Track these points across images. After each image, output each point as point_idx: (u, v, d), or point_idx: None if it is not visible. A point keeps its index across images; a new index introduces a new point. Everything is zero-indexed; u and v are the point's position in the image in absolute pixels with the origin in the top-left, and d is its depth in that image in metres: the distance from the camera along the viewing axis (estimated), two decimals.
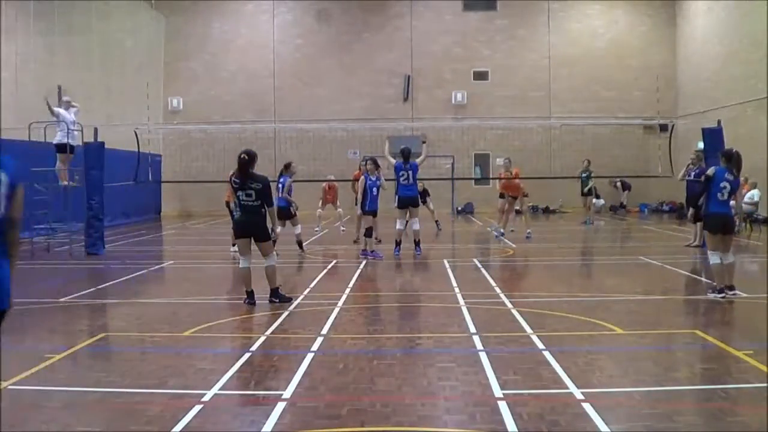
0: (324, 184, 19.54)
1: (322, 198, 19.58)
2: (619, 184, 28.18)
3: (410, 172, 14.29)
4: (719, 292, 9.36)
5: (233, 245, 15.16)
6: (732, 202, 9.92)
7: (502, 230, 17.80)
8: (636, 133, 28.48)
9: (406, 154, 14.43)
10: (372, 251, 14.04)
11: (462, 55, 30.91)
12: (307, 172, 22.22)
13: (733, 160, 9.51)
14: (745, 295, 9.46)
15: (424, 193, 19.37)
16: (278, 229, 14.68)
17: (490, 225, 20.19)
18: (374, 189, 14.25)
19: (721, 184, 9.37)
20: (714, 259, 9.44)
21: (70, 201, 16.42)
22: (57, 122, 15.44)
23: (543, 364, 6.22)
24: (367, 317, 8.84)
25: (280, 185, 14.48)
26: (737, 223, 13.32)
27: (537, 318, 8.22)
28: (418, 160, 14.66)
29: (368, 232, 14.18)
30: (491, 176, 25.45)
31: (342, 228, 19.66)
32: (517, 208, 18.78)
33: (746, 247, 15.98)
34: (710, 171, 9.62)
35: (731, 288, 9.40)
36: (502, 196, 18.62)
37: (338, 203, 19.81)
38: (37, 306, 9.41)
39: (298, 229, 14.90)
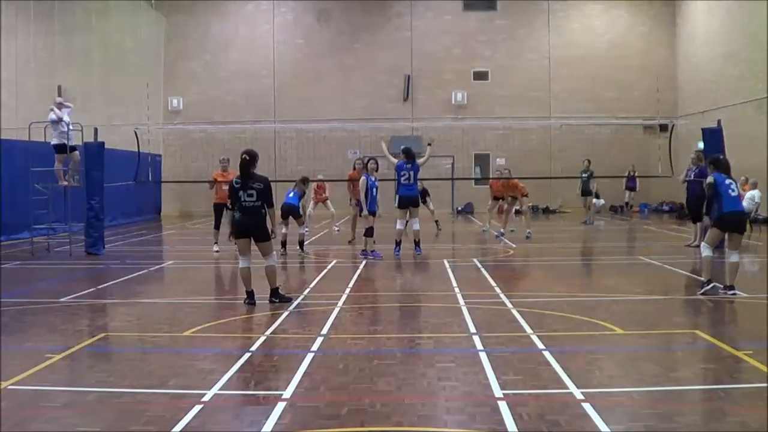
0: (314, 183, 19.52)
1: (313, 198, 19.56)
2: (635, 173, 27.19)
3: (412, 172, 14.25)
4: (707, 284, 9.56)
5: (216, 243, 15.39)
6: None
7: (502, 230, 17.80)
8: (636, 133, 28.46)
9: (409, 154, 14.44)
10: (372, 251, 14.03)
11: (462, 55, 30.91)
12: (306, 172, 22.18)
13: (722, 165, 9.80)
14: (745, 295, 9.47)
15: (424, 193, 19.30)
16: (283, 229, 14.75)
17: (482, 227, 20.08)
18: (374, 189, 14.24)
19: (727, 182, 9.57)
20: (707, 252, 9.64)
21: (70, 201, 16.43)
22: (54, 123, 15.44)
23: (543, 364, 6.22)
24: (367, 317, 8.84)
25: (290, 191, 14.87)
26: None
27: (537, 318, 8.21)
28: (420, 161, 14.65)
29: (368, 232, 14.17)
30: (491, 176, 25.45)
31: (336, 228, 19.58)
32: (518, 208, 18.77)
33: (746, 247, 15.97)
34: (710, 179, 9.79)
35: (731, 288, 9.47)
36: (496, 198, 18.62)
37: (329, 203, 19.73)
38: (37, 306, 9.41)
39: (302, 229, 14.93)
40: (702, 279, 9.82)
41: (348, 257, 14.61)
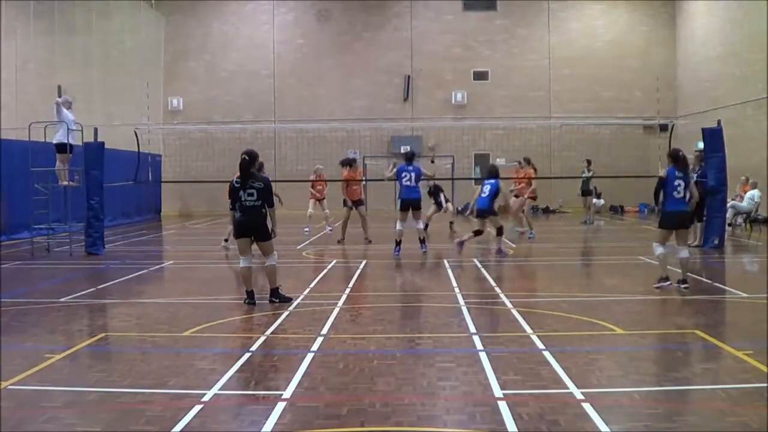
0: (312, 175, 19.37)
1: (311, 195, 19.45)
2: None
3: (413, 174, 14.42)
4: (665, 281, 9.95)
5: (226, 240, 15.37)
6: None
7: (531, 231, 17.78)
8: (636, 133, 28.47)
9: (409, 156, 14.74)
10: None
11: (462, 55, 30.91)
12: (306, 172, 22.21)
13: (680, 161, 10.07)
14: (745, 295, 9.49)
15: (437, 190, 18.74)
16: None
17: (514, 229, 19.25)
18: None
19: (675, 182, 9.91)
20: (659, 250, 10.04)
21: (70, 201, 16.42)
22: (57, 122, 15.42)
23: (543, 364, 6.22)
24: (367, 317, 8.83)
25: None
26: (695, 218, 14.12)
27: (537, 318, 8.22)
28: (422, 170, 14.88)
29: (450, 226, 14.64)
30: None
31: (329, 228, 19.51)
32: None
33: (746, 247, 15.98)
34: (662, 173, 10.19)
35: (684, 282, 9.89)
36: (517, 196, 18.56)
37: (325, 203, 19.59)
38: (37, 306, 9.42)
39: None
40: (663, 275, 10.10)
41: (348, 257, 14.60)
